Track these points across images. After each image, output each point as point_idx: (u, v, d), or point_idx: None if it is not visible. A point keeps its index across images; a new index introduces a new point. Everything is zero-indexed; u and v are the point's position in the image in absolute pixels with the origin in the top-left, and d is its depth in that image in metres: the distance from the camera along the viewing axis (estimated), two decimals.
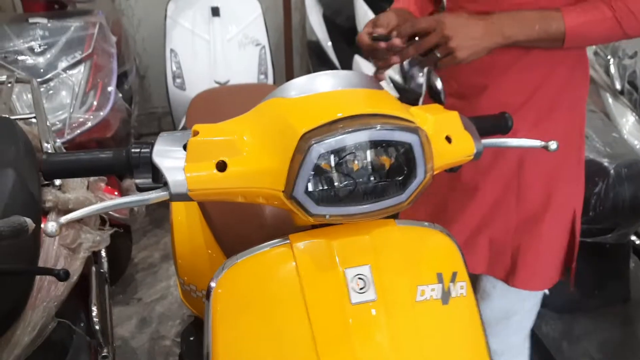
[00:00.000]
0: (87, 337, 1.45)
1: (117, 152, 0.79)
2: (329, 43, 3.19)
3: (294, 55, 3.64)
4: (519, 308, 1.32)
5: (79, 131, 1.98)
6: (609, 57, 2.06)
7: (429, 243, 0.86)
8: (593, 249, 1.53)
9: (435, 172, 0.86)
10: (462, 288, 0.84)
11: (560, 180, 1.18)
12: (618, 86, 2.01)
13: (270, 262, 0.79)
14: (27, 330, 1.24)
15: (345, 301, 0.76)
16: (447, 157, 0.85)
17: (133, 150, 0.77)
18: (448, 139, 0.85)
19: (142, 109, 3.53)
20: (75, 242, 1.43)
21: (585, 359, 1.51)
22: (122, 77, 2.86)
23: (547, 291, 1.58)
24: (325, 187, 0.74)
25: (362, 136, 0.71)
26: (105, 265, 1.69)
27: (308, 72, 3.59)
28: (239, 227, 1.29)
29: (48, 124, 1.68)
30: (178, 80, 2.45)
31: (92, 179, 1.62)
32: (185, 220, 1.51)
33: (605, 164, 1.43)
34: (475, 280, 1.40)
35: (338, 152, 0.72)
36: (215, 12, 2.48)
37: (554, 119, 1.14)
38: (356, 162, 0.75)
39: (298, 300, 0.76)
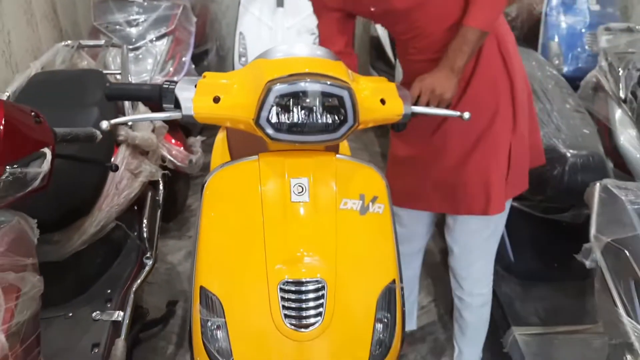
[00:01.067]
0: (137, 241, 1.90)
1: (155, 86, 1.19)
2: (388, 40, 3.51)
3: (356, 46, 3.97)
4: (477, 237, 1.62)
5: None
6: (619, 68, 2.26)
7: (360, 173, 1.20)
8: (554, 225, 1.78)
9: (371, 125, 1.21)
10: (379, 208, 1.18)
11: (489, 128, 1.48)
12: (622, 95, 2.20)
13: (244, 169, 1.17)
14: (93, 223, 1.69)
15: (287, 200, 1.12)
16: (380, 113, 1.19)
17: (164, 85, 1.17)
18: (382, 101, 1.19)
19: None
20: (137, 169, 1.87)
21: (533, 317, 1.77)
22: (202, 55, 3.34)
23: (512, 258, 1.86)
24: (283, 121, 1.11)
25: (305, 86, 1.06)
26: (161, 195, 2.11)
27: (365, 64, 3.93)
28: None
29: (131, 79, 2.14)
30: (243, 59, 2.88)
31: (157, 124, 2.06)
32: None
33: (565, 152, 1.69)
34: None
35: (291, 95, 1.08)
36: (280, 3, 2.89)
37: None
38: (307, 104, 1.10)
39: (257, 196, 1.13)
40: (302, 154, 1.17)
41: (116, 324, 1.66)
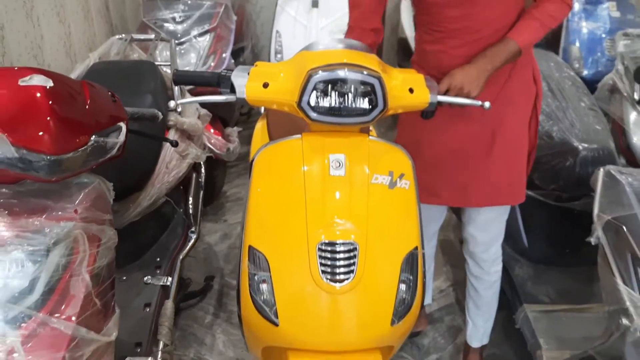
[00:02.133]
0: (183, 216, 2.09)
1: (214, 74, 1.38)
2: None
3: (384, 47, 4.16)
4: (497, 223, 1.81)
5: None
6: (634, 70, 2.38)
7: (390, 153, 1.37)
8: (567, 213, 1.92)
9: (400, 111, 1.38)
10: (406, 184, 1.35)
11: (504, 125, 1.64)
12: (637, 97, 2.33)
13: (288, 146, 1.34)
14: (146, 197, 1.89)
15: (326, 173, 1.29)
16: (408, 100, 1.36)
17: (222, 73, 1.36)
18: (411, 90, 1.36)
19: None
20: (184, 152, 2.06)
21: (544, 297, 1.91)
22: (239, 51, 3.54)
23: (526, 243, 2.00)
24: (322, 104, 1.28)
25: (340, 74, 1.24)
26: (203, 178, 2.30)
27: (393, 63, 4.09)
28: None
29: None
30: (279, 56, 3.07)
31: (202, 112, 2.25)
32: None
33: (577, 145, 1.83)
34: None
35: (329, 82, 1.25)
36: (315, 3, 3.07)
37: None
38: (343, 90, 1.27)
39: (300, 169, 1.31)
40: (339, 134, 1.34)
41: (165, 288, 1.86)
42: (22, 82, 1.12)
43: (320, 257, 1.25)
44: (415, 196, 1.37)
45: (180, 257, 1.98)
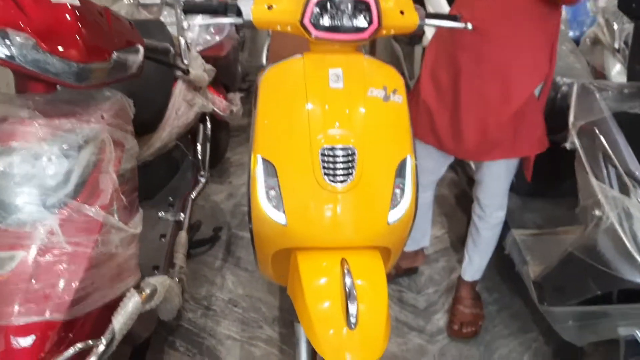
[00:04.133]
0: (193, 161, 2.23)
1: (222, 3, 1.52)
2: None
3: None
4: (505, 173, 1.91)
5: (201, 47, 2.78)
6: (614, 23, 2.53)
7: (383, 69, 1.51)
8: (551, 148, 2.05)
9: (392, 32, 1.52)
10: (399, 98, 1.49)
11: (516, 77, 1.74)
12: (617, 46, 2.48)
13: (291, 64, 1.48)
14: (158, 139, 2.02)
15: (326, 86, 1.43)
16: (400, 21, 1.50)
17: (229, 2, 1.50)
18: (402, 12, 1.50)
19: (253, 60, 4.29)
20: (192, 100, 2.20)
21: (530, 224, 2.05)
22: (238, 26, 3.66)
23: (514, 180, 2.14)
24: (322, 23, 1.42)
25: None
26: (209, 130, 2.44)
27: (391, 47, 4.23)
28: None
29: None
30: None
31: (207, 66, 2.39)
32: None
33: (558, 80, 1.97)
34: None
35: (328, 0, 1.39)
36: None
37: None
38: (341, 8, 1.41)
39: (302, 84, 1.44)
40: (337, 52, 1.48)
41: (178, 222, 2.00)
42: (54, 0, 1.25)
43: (323, 161, 1.38)
44: (407, 110, 1.51)
45: (192, 197, 2.12)
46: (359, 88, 1.45)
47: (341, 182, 1.38)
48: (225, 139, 3.08)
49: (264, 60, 2.32)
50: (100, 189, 1.27)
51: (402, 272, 2.38)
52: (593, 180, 1.41)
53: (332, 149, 1.39)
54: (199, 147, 2.29)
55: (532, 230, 2.01)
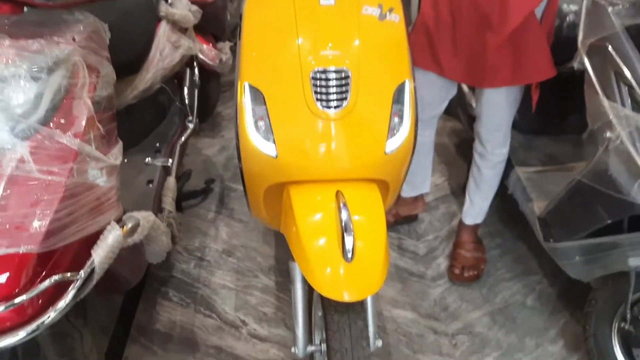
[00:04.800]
0: (180, 106, 2.14)
1: None
2: None
3: None
4: (504, 105, 1.82)
5: None
6: None
7: None
8: (555, 83, 1.96)
9: None
10: (395, 17, 1.38)
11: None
12: None
13: None
14: (142, 81, 1.92)
15: (316, 4, 1.33)
16: None
17: None
18: None
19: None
20: (177, 42, 2.09)
21: (534, 162, 1.97)
22: None
23: (518, 116, 2.05)
24: None
25: None
26: (197, 75, 2.33)
27: None
28: None
29: None
30: None
31: (193, 8, 2.27)
32: None
33: (564, 7, 1.86)
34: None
35: None
36: None
37: None
38: None
39: (290, 2, 1.33)
40: None
41: (166, 168, 1.91)
42: None
43: (314, 85, 1.29)
44: (405, 31, 1.40)
45: (180, 143, 2.03)
46: (351, 5, 1.35)
47: (335, 107, 1.29)
48: (216, 91, 2.97)
49: None
50: (74, 115, 1.17)
51: (402, 220, 2.31)
52: (604, 100, 1.32)
53: (324, 71, 1.29)
54: (186, 91, 2.18)
55: (537, 168, 1.93)
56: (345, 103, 1.30)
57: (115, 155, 1.26)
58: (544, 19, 1.69)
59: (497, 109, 1.82)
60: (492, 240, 2.23)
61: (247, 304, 1.94)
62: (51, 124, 1.13)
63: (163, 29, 2.03)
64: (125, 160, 1.89)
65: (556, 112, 2.05)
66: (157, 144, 1.99)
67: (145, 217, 1.27)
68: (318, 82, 1.29)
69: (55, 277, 1.04)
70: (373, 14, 1.36)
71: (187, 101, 2.16)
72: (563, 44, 1.87)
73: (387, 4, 1.38)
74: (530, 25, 1.65)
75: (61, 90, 1.16)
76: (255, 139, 1.34)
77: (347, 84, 1.30)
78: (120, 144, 1.31)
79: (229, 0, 3.20)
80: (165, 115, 2.11)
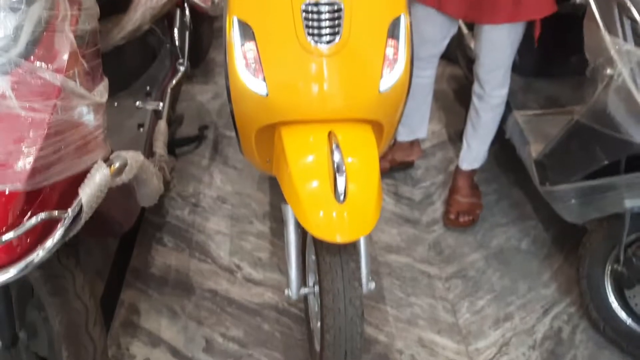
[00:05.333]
0: (170, 47, 2.08)
1: None
2: None
3: None
4: (503, 44, 1.76)
5: None
6: None
7: None
8: (555, 23, 1.90)
9: None
10: None
11: None
12: None
13: None
14: (130, 21, 1.86)
15: None
16: None
17: None
18: None
19: None
20: None
21: (533, 105, 1.93)
22: None
23: (517, 58, 2.00)
24: None
25: None
26: (188, 17, 2.26)
27: None
28: None
29: None
30: None
31: None
32: None
33: None
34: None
35: None
36: None
37: None
38: None
39: None
40: None
41: (157, 112, 1.87)
42: None
43: (306, 18, 1.24)
44: None
45: (171, 86, 1.98)
46: None
47: (327, 42, 1.25)
48: (208, 35, 2.89)
49: None
50: (55, 50, 1.13)
51: (397, 165, 2.28)
52: (605, 35, 1.28)
53: (316, 4, 1.24)
54: (176, 33, 2.12)
55: (535, 111, 1.89)
56: (337, 38, 1.25)
57: (101, 93, 1.22)
58: None
59: (496, 47, 1.77)
60: (488, 186, 2.21)
61: (242, 249, 1.94)
62: (32, 58, 1.09)
63: None
64: (115, 104, 1.88)
65: (556, 53, 2.00)
66: (148, 87, 1.95)
67: (133, 157, 1.24)
68: (310, 16, 1.24)
69: (42, 215, 1.02)
70: None
71: (177, 43, 2.10)
72: None
73: None
74: None
75: (41, 22, 1.11)
76: (245, 77, 1.30)
77: (339, 18, 1.25)
78: (105, 81, 1.27)
79: None
80: (155, 58, 2.06)
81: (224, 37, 1.34)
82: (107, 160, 1.20)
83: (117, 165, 1.19)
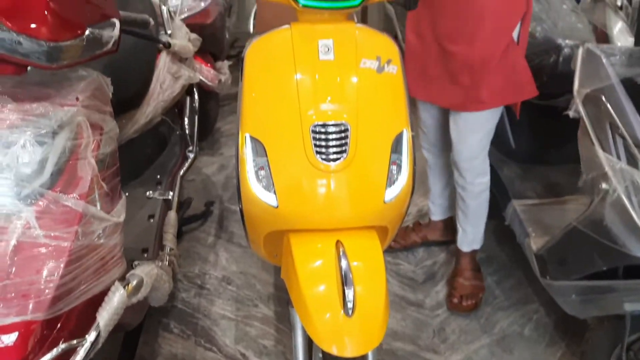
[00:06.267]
0: (180, 135, 2.15)
1: None
2: None
3: None
4: (476, 134, 1.84)
5: (187, 14, 2.65)
6: None
7: (376, 38, 1.41)
8: (551, 112, 1.98)
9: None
10: (393, 69, 1.40)
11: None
12: (619, 3, 2.37)
13: (278, 36, 1.39)
14: (143, 115, 1.93)
15: (315, 58, 1.34)
16: None
17: None
18: None
19: (240, 26, 4.10)
20: (177, 73, 2.10)
21: (530, 193, 1.99)
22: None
23: (513, 144, 2.07)
24: None
25: None
26: (197, 102, 2.35)
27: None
28: None
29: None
30: None
31: (192, 36, 2.28)
32: None
33: (560, 42, 1.88)
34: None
35: None
36: None
37: None
38: None
39: (290, 56, 1.35)
40: (327, 21, 1.38)
41: (167, 202, 1.93)
42: None
43: (314, 138, 1.31)
44: (402, 81, 1.42)
45: (180, 174, 2.05)
46: (350, 59, 1.36)
47: (334, 160, 1.31)
48: (215, 110, 2.99)
49: (251, 28, 2.21)
50: (78, 177, 1.19)
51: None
52: (600, 152, 1.34)
53: (324, 125, 1.31)
54: (186, 121, 2.20)
55: (533, 200, 1.95)
56: (344, 155, 1.31)
57: (119, 212, 1.28)
58: (521, 39, 1.72)
59: (465, 133, 1.86)
60: (489, 266, 2.25)
61: (247, 335, 1.96)
62: (56, 187, 1.15)
63: (163, 60, 2.05)
64: (127, 194, 1.92)
65: (551, 141, 2.07)
66: (158, 176, 2.01)
67: (148, 273, 1.29)
68: (318, 136, 1.31)
69: (62, 346, 1.06)
70: (371, 67, 1.37)
71: (187, 130, 2.17)
72: (559, 77, 1.89)
73: (385, 56, 1.39)
74: (509, 48, 1.71)
75: (66, 152, 1.17)
76: (256, 189, 1.35)
77: (346, 137, 1.32)
78: (123, 199, 1.33)
79: (227, 16, 3.21)
80: (165, 146, 2.13)
81: (235, 151, 1.40)
82: (123, 279, 1.25)
83: (133, 284, 1.23)
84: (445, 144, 2.08)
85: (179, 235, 2.20)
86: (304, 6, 1.33)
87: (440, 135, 2.06)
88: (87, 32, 1.23)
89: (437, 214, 2.31)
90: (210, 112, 2.90)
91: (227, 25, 3.17)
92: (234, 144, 1.41)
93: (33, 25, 1.13)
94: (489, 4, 1.65)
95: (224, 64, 2.90)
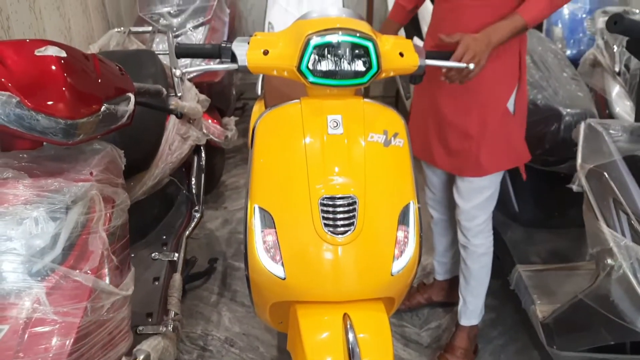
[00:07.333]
0: (187, 195, 2.17)
1: (215, 45, 1.45)
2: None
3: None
4: (480, 195, 1.86)
5: (195, 73, 2.71)
6: (614, 46, 2.49)
7: (384, 113, 1.45)
8: (554, 177, 2.01)
9: (392, 74, 1.46)
10: (400, 142, 1.43)
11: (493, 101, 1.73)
12: (617, 69, 2.43)
13: (288, 110, 1.42)
14: (151, 177, 1.96)
15: (325, 132, 1.37)
16: (399, 64, 1.44)
17: (222, 45, 1.44)
18: (401, 54, 1.44)
19: (247, 78, 4.22)
20: (186, 133, 2.14)
21: (535, 258, 2.00)
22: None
23: (517, 208, 2.09)
24: (319, 68, 1.36)
25: (337, 37, 1.32)
26: (204, 161, 2.38)
27: None
28: None
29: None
30: None
31: (201, 97, 2.33)
32: None
33: (561, 111, 1.92)
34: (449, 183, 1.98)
35: (326, 45, 1.33)
36: None
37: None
38: (339, 53, 1.35)
39: (300, 130, 1.38)
40: (336, 97, 1.42)
41: (172, 263, 1.93)
42: (38, 52, 1.19)
43: (322, 211, 1.32)
44: (409, 153, 1.45)
45: (186, 235, 2.05)
46: (358, 134, 1.39)
47: (342, 233, 1.33)
48: (220, 165, 3.02)
49: (259, 91, 2.26)
50: (89, 251, 1.20)
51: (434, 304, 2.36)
52: (604, 228, 1.36)
53: (332, 198, 1.33)
54: (193, 181, 2.22)
55: (538, 266, 1.95)
56: (352, 228, 1.33)
57: (128, 286, 1.28)
58: (517, 109, 1.75)
59: (466, 193, 1.87)
60: (494, 329, 2.24)
61: None
62: (67, 263, 1.16)
63: (172, 122, 2.08)
64: (132, 255, 1.93)
65: (556, 206, 2.09)
66: (164, 237, 2.02)
67: (154, 347, 1.29)
68: (326, 209, 1.32)
69: None
70: (379, 141, 1.40)
71: (194, 191, 2.20)
72: (561, 145, 1.93)
73: (392, 129, 1.43)
74: (504, 118, 1.74)
75: (78, 226, 1.19)
76: (264, 260, 1.36)
77: (354, 210, 1.34)
78: (132, 271, 1.34)
79: (234, 72, 3.28)
80: (172, 206, 2.15)
81: (244, 221, 1.42)
82: (129, 354, 1.24)
83: (141, 359, 1.23)
84: (451, 202, 2.08)
85: (182, 294, 2.20)
86: (313, 83, 1.37)
87: (445, 193, 2.08)
88: (103, 108, 1.27)
89: (442, 274, 2.30)
90: (216, 167, 2.93)
91: (233, 83, 3.24)
92: (243, 212, 1.43)
93: (50, 103, 1.16)
94: (484, 80, 1.69)
95: (231, 120, 2.94)
